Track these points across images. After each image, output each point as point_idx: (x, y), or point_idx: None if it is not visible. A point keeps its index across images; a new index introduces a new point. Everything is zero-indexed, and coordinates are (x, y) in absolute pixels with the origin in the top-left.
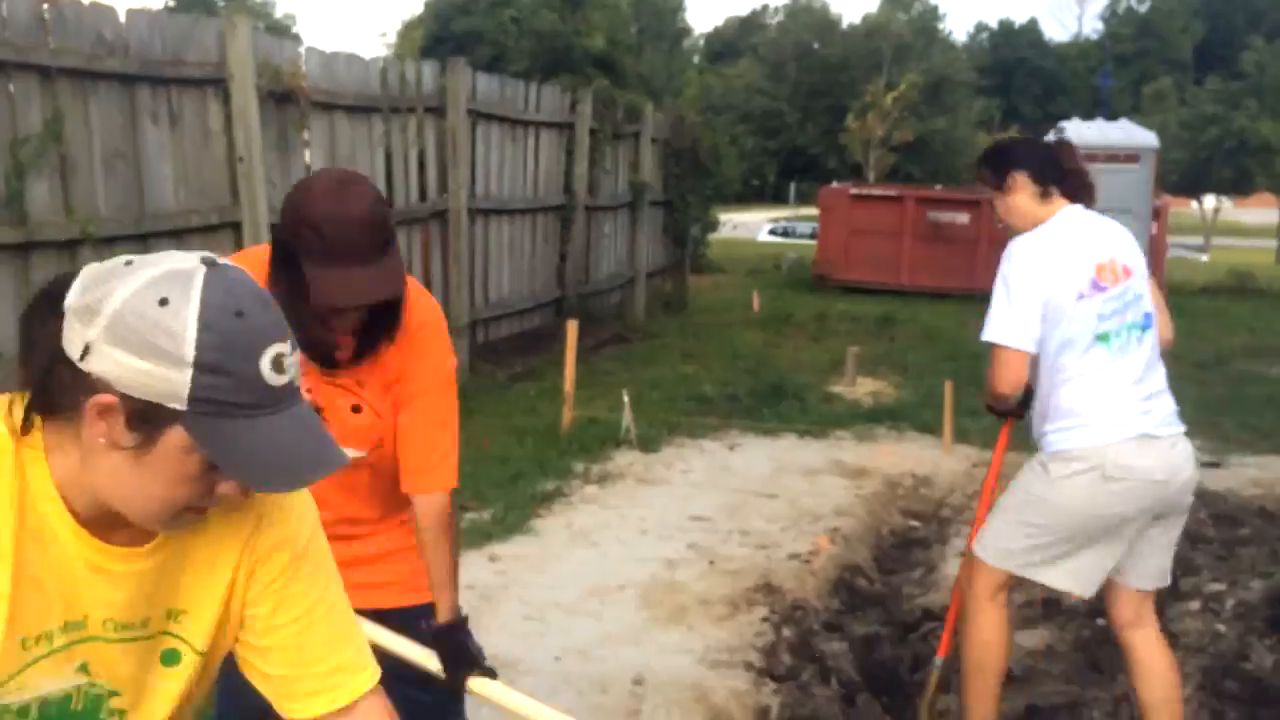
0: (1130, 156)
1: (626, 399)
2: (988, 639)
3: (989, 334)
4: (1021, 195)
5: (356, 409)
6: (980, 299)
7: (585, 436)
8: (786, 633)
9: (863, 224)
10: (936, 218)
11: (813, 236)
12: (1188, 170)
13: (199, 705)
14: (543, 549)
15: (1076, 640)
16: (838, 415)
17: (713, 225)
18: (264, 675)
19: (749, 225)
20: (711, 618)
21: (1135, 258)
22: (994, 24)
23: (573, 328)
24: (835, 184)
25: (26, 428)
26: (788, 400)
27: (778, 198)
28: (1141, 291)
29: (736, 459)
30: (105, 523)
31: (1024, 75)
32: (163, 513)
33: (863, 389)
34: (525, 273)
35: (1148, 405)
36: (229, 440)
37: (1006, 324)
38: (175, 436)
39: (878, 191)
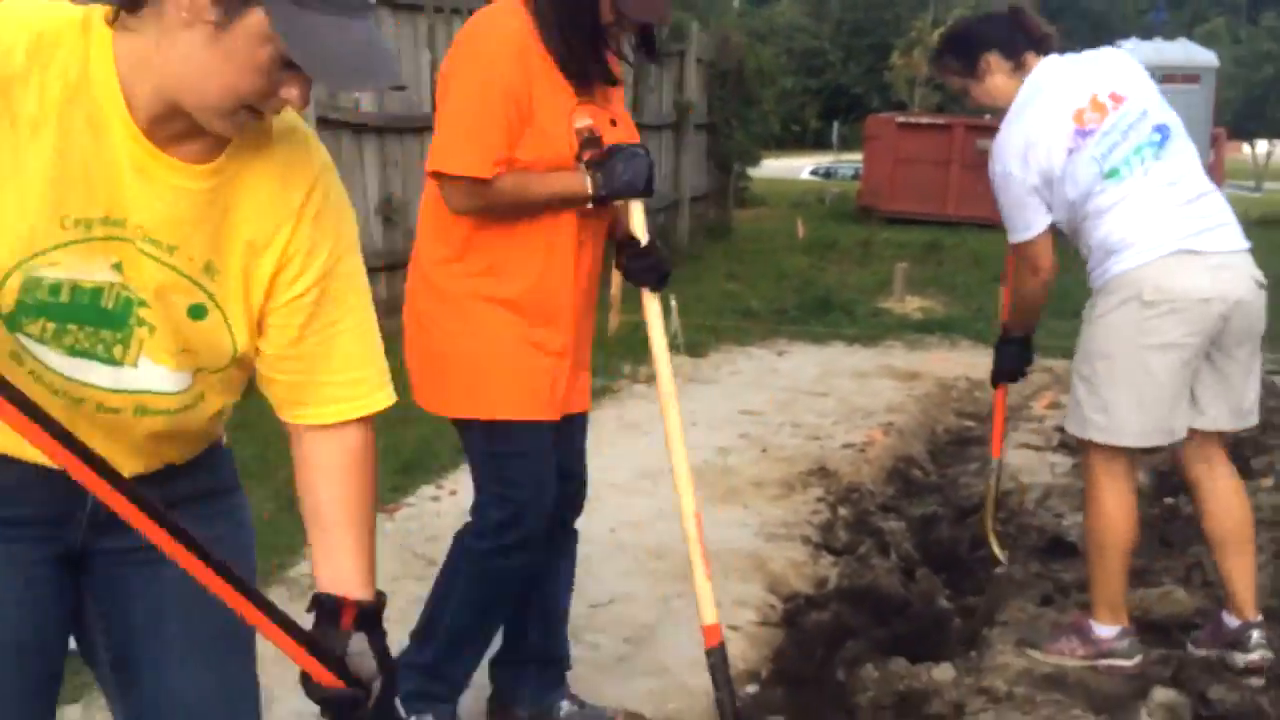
0: (1189, 77)
1: (675, 303)
2: (1108, 512)
3: (1014, 238)
4: (998, 76)
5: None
6: None
7: (632, 340)
8: (843, 512)
9: (909, 153)
10: (986, 145)
11: (855, 178)
12: (1240, 110)
13: (227, 415)
14: (594, 436)
15: (1144, 519)
16: (887, 326)
17: (756, 158)
18: (272, 380)
19: (790, 170)
20: (766, 497)
21: (1125, 79)
22: None
23: (616, 279)
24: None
25: (114, 14)
26: (835, 313)
27: (819, 143)
28: (1144, 108)
29: (784, 363)
30: (164, 128)
31: (1074, 17)
32: (224, 103)
33: (911, 305)
34: None
35: (1186, 218)
36: (307, 32)
37: (1019, 220)
38: (255, 20)
39: (925, 120)
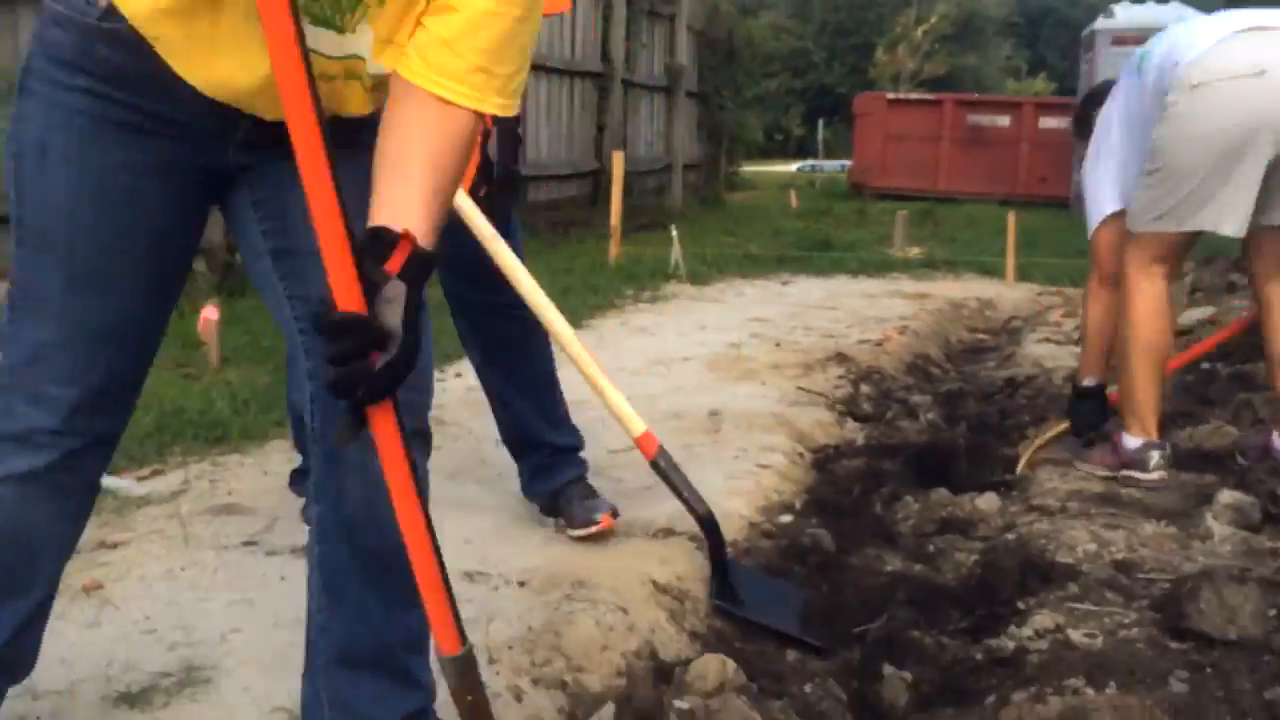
0: None
1: (675, 233)
2: (1141, 319)
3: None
4: None
5: None
6: (1018, 203)
7: (634, 268)
8: (865, 388)
9: (900, 129)
10: (977, 120)
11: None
12: None
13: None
14: (600, 338)
15: (1183, 384)
16: (891, 263)
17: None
18: (422, 26)
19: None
20: (784, 376)
21: None
22: None
23: (619, 158)
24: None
25: None
26: (837, 252)
27: (802, 152)
28: None
29: (790, 289)
30: None
31: (1052, 25)
32: None
33: (913, 252)
34: (563, 138)
35: (1238, 17)
36: None
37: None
38: None
39: (915, 96)
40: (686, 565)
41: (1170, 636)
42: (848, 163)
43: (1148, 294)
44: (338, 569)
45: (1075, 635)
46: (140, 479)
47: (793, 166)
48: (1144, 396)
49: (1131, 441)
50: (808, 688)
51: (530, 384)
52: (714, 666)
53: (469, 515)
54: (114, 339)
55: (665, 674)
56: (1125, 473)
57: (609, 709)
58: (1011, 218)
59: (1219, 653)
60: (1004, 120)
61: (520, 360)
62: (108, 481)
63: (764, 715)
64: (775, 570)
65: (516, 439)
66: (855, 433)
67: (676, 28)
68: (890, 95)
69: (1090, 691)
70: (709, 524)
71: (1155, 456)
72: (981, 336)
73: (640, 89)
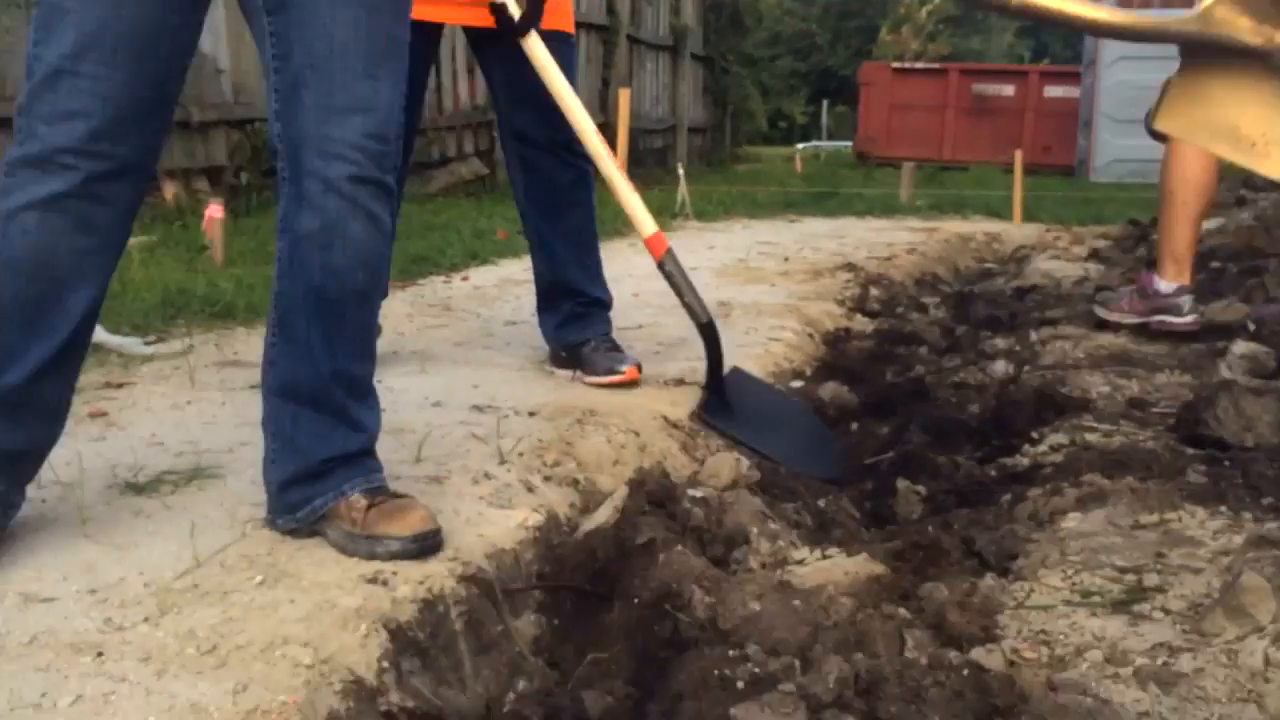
0: None
1: (681, 171)
2: (1187, 160)
3: None
4: None
5: None
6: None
7: (659, 205)
8: (875, 291)
9: (905, 99)
10: (982, 89)
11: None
12: None
13: None
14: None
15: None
16: (899, 208)
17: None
18: None
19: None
20: (793, 280)
21: None
22: None
23: (625, 96)
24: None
25: None
26: (843, 198)
27: (806, 139)
28: None
29: (798, 225)
30: None
31: None
32: None
33: (921, 200)
34: None
35: None
36: None
37: None
38: None
39: (920, 65)
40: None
41: (1187, 445)
42: (850, 143)
43: (1189, 153)
44: (290, 306)
45: (1093, 439)
46: (147, 343)
47: (796, 148)
48: (1183, 237)
49: (1165, 285)
50: (821, 502)
51: (573, 233)
52: (728, 464)
53: (477, 369)
54: (133, 50)
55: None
56: (1158, 318)
57: (621, 492)
58: (1019, 156)
59: (1236, 454)
60: (1009, 89)
61: (567, 206)
62: (111, 339)
63: (777, 514)
64: None
65: (552, 285)
66: (866, 325)
67: None
68: (895, 64)
69: (1107, 482)
70: (709, 332)
71: (1190, 300)
72: (990, 265)
73: (645, 46)
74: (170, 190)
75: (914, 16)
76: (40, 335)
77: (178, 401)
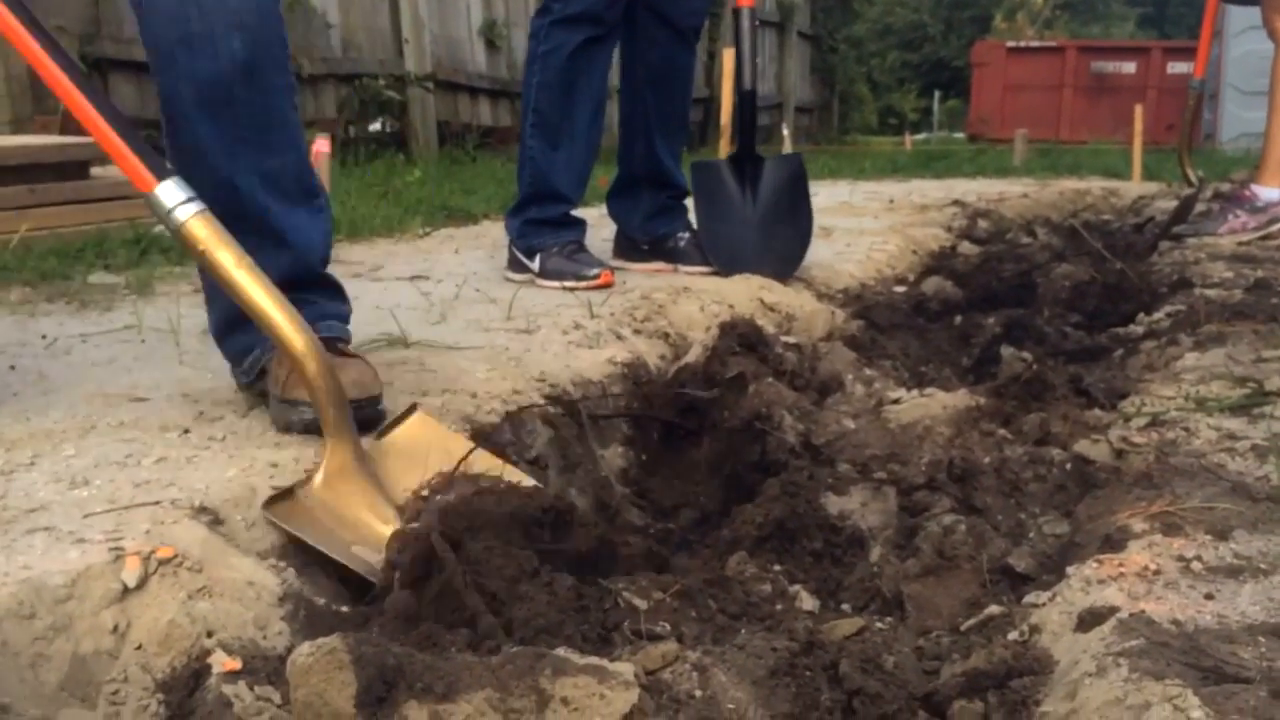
0: None
1: (787, 131)
2: None
3: None
4: None
5: None
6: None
7: None
8: (983, 223)
9: (1019, 79)
10: (1101, 67)
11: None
12: None
13: None
14: None
15: None
16: (1011, 170)
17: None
18: None
19: None
20: (899, 215)
21: None
22: None
23: (729, 56)
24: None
25: None
26: (952, 161)
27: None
28: None
29: (905, 184)
30: None
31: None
32: None
33: (1035, 164)
34: None
35: None
36: None
37: None
38: None
39: (1036, 44)
40: (794, 299)
41: None
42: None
43: None
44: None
45: (1213, 293)
46: None
47: (906, 135)
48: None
49: (1273, 193)
50: (922, 368)
51: (675, 120)
52: (823, 315)
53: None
54: None
55: None
56: (1276, 227)
57: (713, 331)
58: (1139, 110)
59: None
60: (1129, 66)
61: (678, 92)
62: None
63: (872, 366)
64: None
65: (646, 174)
66: (972, 250)
67: None
68: (1010, 44)
69: (1229, 328)
70: (746, 99)
71: None
72: (1106, 217)
73: None
74: None
75: (1030, 2)
76: None
77: None
